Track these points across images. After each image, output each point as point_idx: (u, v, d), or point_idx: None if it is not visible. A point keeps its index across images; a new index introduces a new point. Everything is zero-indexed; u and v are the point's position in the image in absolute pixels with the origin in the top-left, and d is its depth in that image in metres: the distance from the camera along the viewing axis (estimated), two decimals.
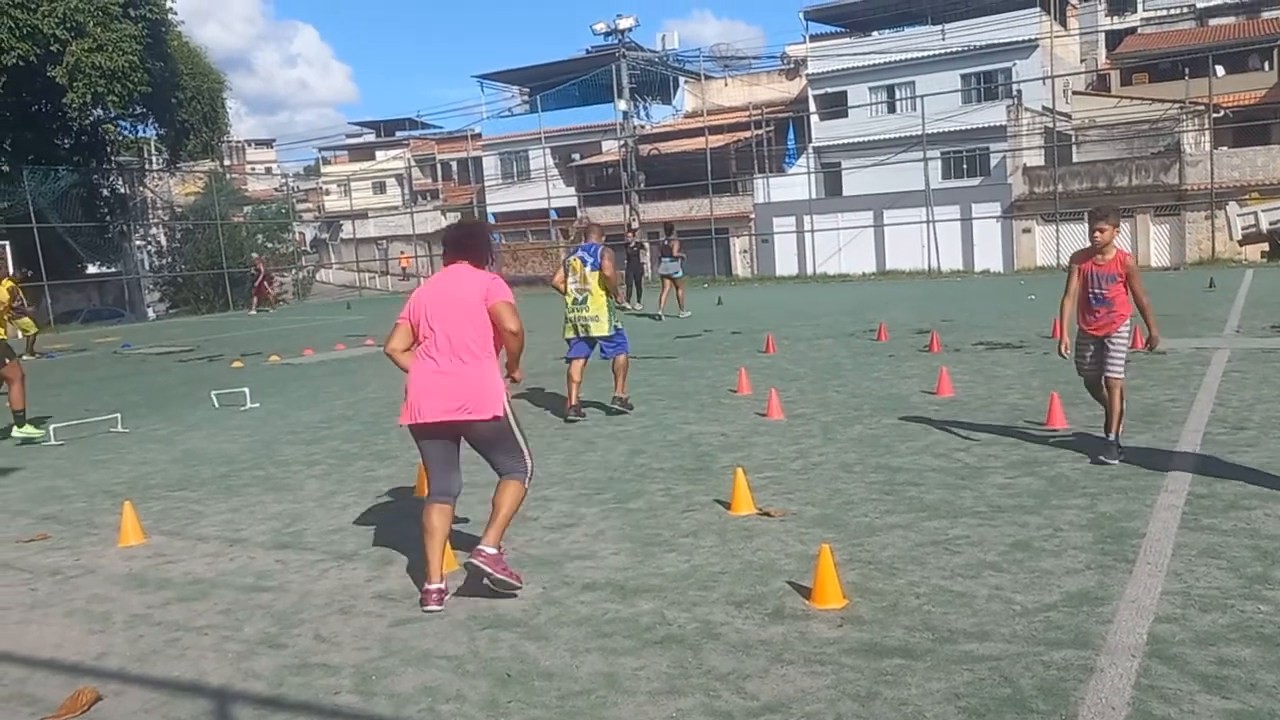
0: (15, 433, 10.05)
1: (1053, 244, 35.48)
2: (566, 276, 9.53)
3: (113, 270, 39.93)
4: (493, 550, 4.65)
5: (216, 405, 11.56)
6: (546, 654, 4.02)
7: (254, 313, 33.41)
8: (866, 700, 3.44)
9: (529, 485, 4.87)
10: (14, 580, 5.48)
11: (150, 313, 39.36)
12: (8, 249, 28.34)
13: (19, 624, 4.79)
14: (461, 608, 4.60)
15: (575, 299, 9.42)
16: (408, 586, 4.95)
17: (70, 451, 9.38)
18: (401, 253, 57.68)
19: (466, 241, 5.04)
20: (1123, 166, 35.65)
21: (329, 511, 6.55)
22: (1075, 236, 35.36)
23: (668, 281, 21.59)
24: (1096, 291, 6.61)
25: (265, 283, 34.87)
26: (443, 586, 4.63)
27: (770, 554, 5.08)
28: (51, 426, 10.04)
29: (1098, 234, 6.54)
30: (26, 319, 20.31)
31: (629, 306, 22.58)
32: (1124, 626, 3.90)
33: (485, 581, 4.63)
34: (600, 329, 9.32)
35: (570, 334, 9.51)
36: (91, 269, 38.71)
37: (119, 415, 10.72)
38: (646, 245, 27.97)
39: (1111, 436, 6.61)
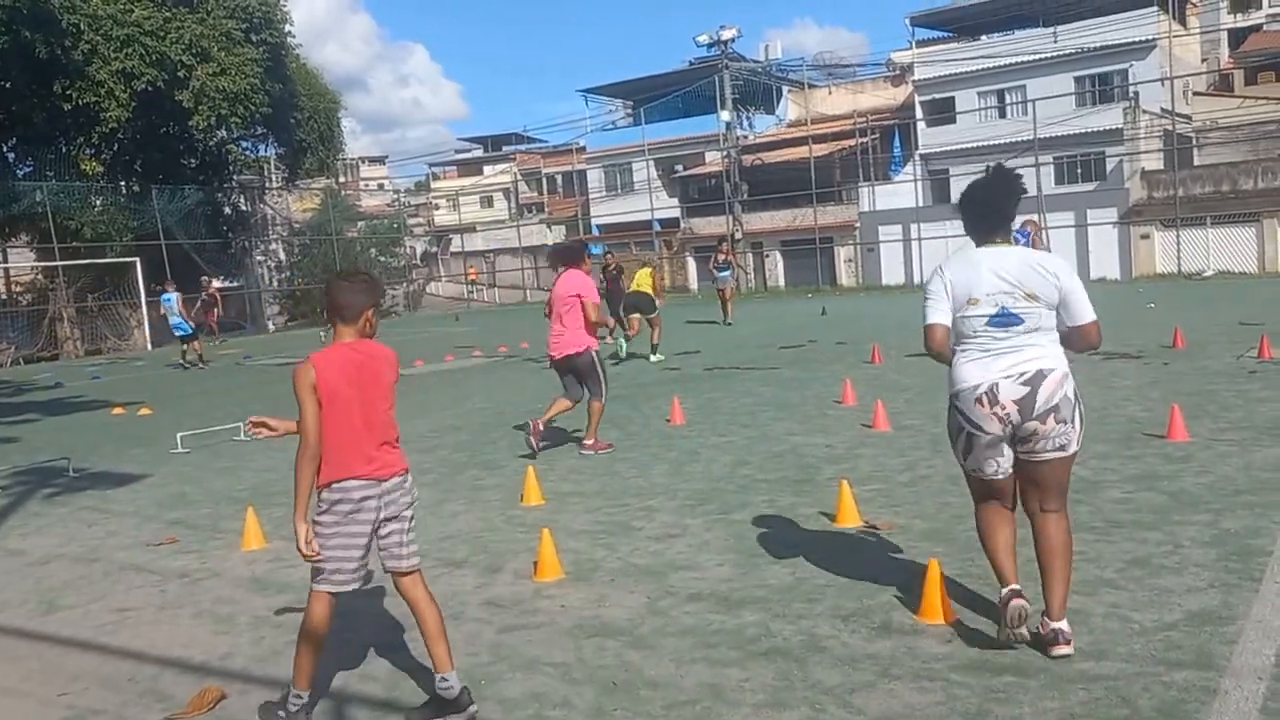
0: (653, 357, 16.00)
1: (1173, 250, 34.19)
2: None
3: (235, 284, 41.57)
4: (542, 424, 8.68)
5: None
6: (651, 663, 4.05)
7: (219, 341, 29.06)
8: (977, 718, 3.38)
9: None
10: (145, 582, 5.75)
11: (270, 325, 40.81)
12: (138, 265, 29.82)
13: (151, 624, 5.03)
14: (568, 617, 4.66)
15: None
16: (515, 594, 5.05)
17: (197, 459, 9.80)
18: (470, 266, 58.67)
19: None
20: (1248, 169, 34.17)
21: (439, 519, 6.70)
22: (1197, 242, 34.05)
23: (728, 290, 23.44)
24: None
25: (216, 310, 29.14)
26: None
27: (877, 567, 5.02)
28: (179, 435, 10.49)
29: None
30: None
31: (610, 340, 18.76)
32: (1250, 648, 3.75)
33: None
34: None
35: None
36: (215, 283, 40.32)
37: (241, 424, 11.14)
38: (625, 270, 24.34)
39: None
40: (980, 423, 3.87)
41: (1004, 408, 3.81)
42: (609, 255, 21.90)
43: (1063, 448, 3.85)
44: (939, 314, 3.93)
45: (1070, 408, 3.83)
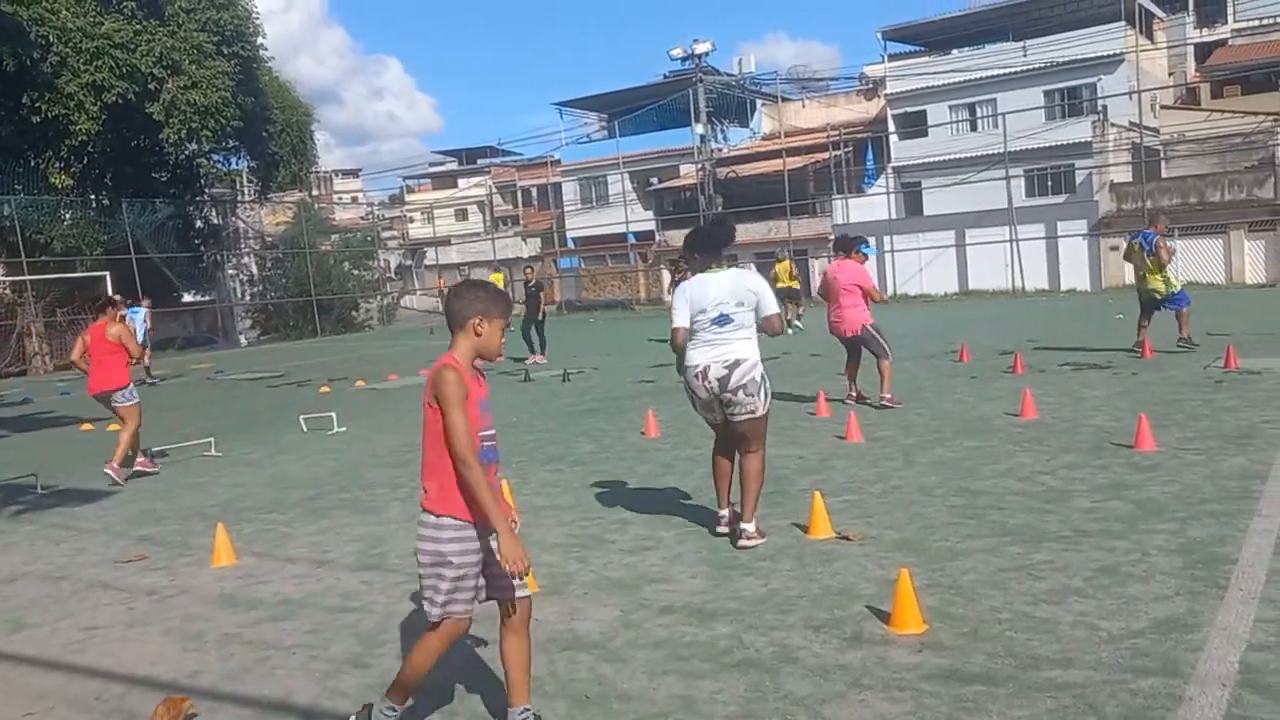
0: (796, 326, 20.00)
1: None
2: (1131, 255, 13.42)
3: (207, 298, 41.28)
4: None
5: (305, 429, 11.86)
6: (624, 676, 4.05)
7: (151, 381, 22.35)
8: None
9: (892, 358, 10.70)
10: (113, 599, 5.69)
11: (242, 339, 40.51)
12: (108, 279, 29.55)
13: (119, 641, 4.98)
14: (540, 630, 4.65)
15: (1140, 273, 13.21)
16: (487, 608, 5.02)
17: (167, 475, 9.71)
18: (440, 279, 58.38)
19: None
20: (1214, 181, 34.62)
21: (412, 534, 6.65)
22: None
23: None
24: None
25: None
26: None
27: (849, 578, 5.05)
28: (149, 450, 10.39)
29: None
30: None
31: (539, 360, 19.03)
32: (1215, 655, 3.79)
33: None
34: (1160, 293, 13.07)
35: (1143, 300, 13.47)
36: (187, 297, 40.05)
37: (212, 439, 11.07)
38: (545, 286, 23.81)
39: None
40: (696, 390, 5.79)
41: (711, 381, 5.66)
42: (528, 270, 21.06)
43: (752, 412, 5.67)
44: (682, 319, 5.71)
45: (756, 386, 5.63)
